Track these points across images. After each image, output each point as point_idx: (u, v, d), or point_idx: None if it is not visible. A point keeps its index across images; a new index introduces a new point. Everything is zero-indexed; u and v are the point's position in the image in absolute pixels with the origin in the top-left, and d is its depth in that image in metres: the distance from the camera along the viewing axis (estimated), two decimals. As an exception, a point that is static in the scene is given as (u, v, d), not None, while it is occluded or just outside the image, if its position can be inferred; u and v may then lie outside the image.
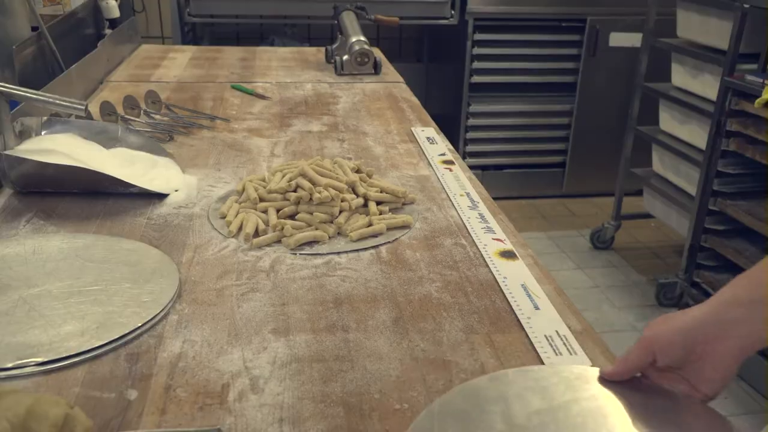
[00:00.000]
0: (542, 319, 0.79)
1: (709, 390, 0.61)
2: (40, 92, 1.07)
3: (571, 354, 0.73)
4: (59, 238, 0.93)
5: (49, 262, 0.86)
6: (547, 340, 0.75)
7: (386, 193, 1.07)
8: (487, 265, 0.91)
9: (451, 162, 1.29)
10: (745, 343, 0.58)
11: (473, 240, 0.98)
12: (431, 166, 1.27)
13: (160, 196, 1.08)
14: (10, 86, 1.04)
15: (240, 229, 0.97)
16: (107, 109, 1.36)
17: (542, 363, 0.71)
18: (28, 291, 0.80)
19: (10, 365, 0.67)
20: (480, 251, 0.95)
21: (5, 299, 0.78)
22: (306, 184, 0.99)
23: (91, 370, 0.69)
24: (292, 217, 0.99)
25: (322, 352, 0.73)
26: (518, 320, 0.79)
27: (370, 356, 0.72)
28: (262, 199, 1.02)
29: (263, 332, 0.76)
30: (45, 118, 1.16)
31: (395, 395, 0.66)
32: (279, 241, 0.95)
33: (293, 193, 1.00)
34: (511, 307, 0.81)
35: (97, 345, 0.71)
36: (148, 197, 1.07)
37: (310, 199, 0.98)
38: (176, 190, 1.09)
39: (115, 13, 1.89)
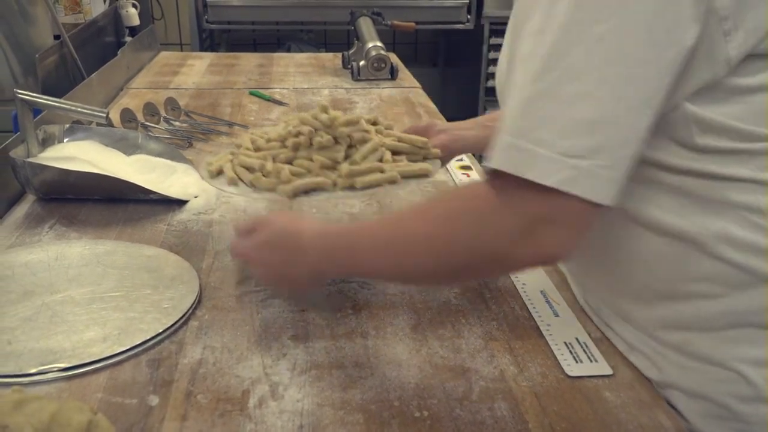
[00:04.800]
0: (562, 326, 0.78)
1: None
2: (62, 100, 1.09)
3: (591, 361, 0.72)
4: (81, 244, 0.94)
5: (72, 269, 0.87)
6: (567, 346, 0.74)
7: (404, 143, 0.90)
8: (506, 272, 0.90)
9: (468, 167, 1.29)
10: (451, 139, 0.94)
11: (492, 246, 0.97)
12: (448, 171, 1.27)
13: (180, 203, 1.08)
14: (34, 95, 1.05)
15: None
16: (127, 116, 1.38)
17: (562, 370, 0.71)
18: (51, 297, 0.81)
19: (33, 371, 0.68)
20: (498, 257, 0.94)
21: (29, 305, 0.79)
22: (306, 128, 0.86)
23: (113, 376, 0.69)
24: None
25: (341, 359, 0.73)
26: (537, 327, 0.78)
27: (389, 363, 0.72)
28: (259, 150, 0.89)
29: (282, 339, 0.76)
30: (67, 125, 1.18)
31: (415, 402, 0.66)
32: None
33: (293, 138, 0.86)
34: (530, 313, 0.81)
35: (119, 351, 0.71)
36: (168, 203, 1.08)
37: (311, 144, 0.86)
38: (195, 197, 1.10)
39: (135, 20, 1.91)
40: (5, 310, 0.78)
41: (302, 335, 0.77)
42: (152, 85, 1.79)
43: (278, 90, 1.79)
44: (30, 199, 1.08)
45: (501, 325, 0.79)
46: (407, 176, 0.85)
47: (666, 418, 0.65)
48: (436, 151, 0.91)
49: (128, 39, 1.92)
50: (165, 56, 2.13)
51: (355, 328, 0.78)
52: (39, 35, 1.32)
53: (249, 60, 2.13)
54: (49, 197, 1.07)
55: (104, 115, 1.06)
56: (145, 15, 2.14)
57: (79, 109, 1.07)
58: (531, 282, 0.87)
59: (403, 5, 2.89)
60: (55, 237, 0.97)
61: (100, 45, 1.74)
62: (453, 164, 1.29)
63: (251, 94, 1.73)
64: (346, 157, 0.85)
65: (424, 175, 0.87)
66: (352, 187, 0.83)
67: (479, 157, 1.11)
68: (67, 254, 0.91)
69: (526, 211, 0.57)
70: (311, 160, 0.85)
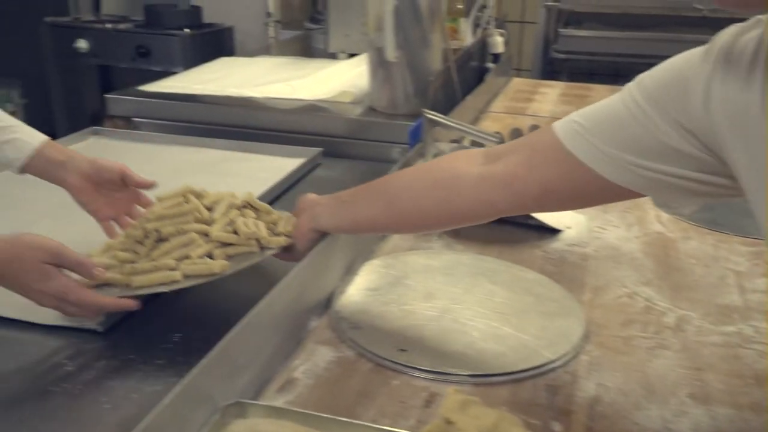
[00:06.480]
0: None
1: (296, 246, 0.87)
2: (461, 122, 1.18)
3: None
4: (469, 257, 1.01)
5: (464, 279, 0.94)
6: None
7: (241, 232, 0.83)
8: None
9: None
10: (307, 224, 0.86)
11: None
12: None
13: (553, 231, 1.11)
14: (438, 114, 1.16)
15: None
16: (496, 139, 1.45)
17: None
18: (450, 303, 0.88)
19: (449, 371, 0.74)
20: None
21: (432, 306, 0.87)
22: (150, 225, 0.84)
23: (515, 393, 0.73)
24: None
25: (749, 433, 0.68)
26: None
27: (811, 452, 0.65)
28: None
29: (679, 395, 0.73)
30: (454, 144, 1.28)
31: None
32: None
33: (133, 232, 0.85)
34: None
35: (521, 369, 0.75)
36: (541, 231, 1.11)
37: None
38: (569, 228, 1.12)
39: (500, 48, 2.02)
40: (415, 306, 0.87)
41: (701, 396, 0.73)
42: (509, 110, 1.87)
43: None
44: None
45: None
46: (192, 276, 0.78)
47: None
48: (278, 239, 0.84)
49: (491, 65, 2.03)
50: (518, 82, 2.21)
51: (760, 402, 0.72)
52: (432, 60, 1.45)
53: (601, 92, 2.10)
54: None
55: (496, 140, 1.13)
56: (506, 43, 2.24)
57: (474, 132, 1.16)
58: None
59: None
60: (443, 246, 1.06)
61: (468, 69, 1.87)
62: None
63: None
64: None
65: (210, 274, 0.78)
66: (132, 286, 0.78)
67: None
68: (458, 265, 0.99)
69: None
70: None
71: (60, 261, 0.75)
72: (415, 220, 0.81)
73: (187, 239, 0.81)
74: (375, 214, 0.83)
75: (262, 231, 0.84)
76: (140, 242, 0.83)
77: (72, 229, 0.94)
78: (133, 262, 0.81)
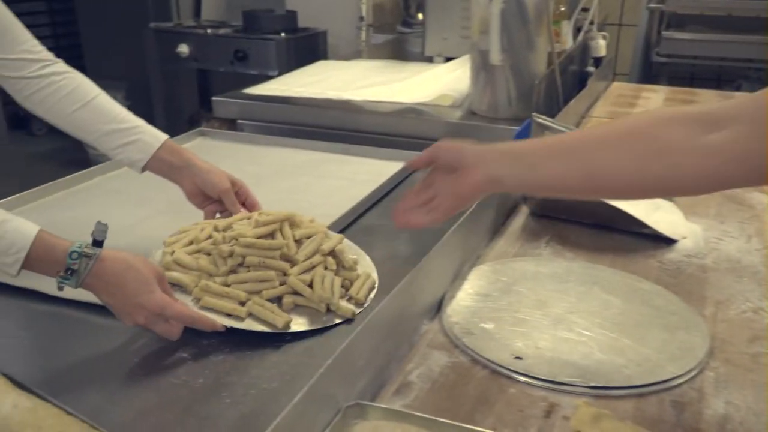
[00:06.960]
0: None
1: (448, 206, 0.76)
2: (571, 126, 1.15)
3: None
4: (578, 265, 0.98)
5: (576, 288, 0.92)
6: None
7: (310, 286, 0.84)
8: None
9: None
10: (482, 179, 0.73)
11: None
12: None
13: (668, 241, 1.06)
14: (547, 118, 1.14)
15: None
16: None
17: None
18: (564, 312, 0.86)
19: (568, 381, 0.72)
20: None
21: (545, 314, 0.85)
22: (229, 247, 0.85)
23: (639, 407, 0.70)
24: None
25: None
26: None
27: None
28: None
29: (818, 418, 0.68)
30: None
31: None
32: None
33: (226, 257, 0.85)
34: None
35: (645, 383, 0.72)
36: (654, 240, 1.07)
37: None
38: (684, 237, 1.07)
39: (603, 51, 1.96)
40: (527, 314, 0.85)
41: (844, 421, 0.68)
42: (612, 115, 1.81)
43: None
44: (524, 212, 1.17)
45: None
46: (255, 318, 0.81)
47: None
48: (347, 308, 0.83)
49: (591, 69, 1.98)
50: (618, 86, 2.14)
51: None
52: (537, 63, 1.42)
53: (707, 97, 2.01)
54: (541, 214, 1.15)
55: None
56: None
57: (584, 136, 1.12)
58: None
59: None
60: (552, 253, 1.04)
61: (569, 73, 1.83)
62: None
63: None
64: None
65: (270, 324, 0.80)
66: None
67: None
68: (569, 273, 0.96)
69: None
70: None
71: (161, 282, 0.78)
72: (618, 191, 0.75)
73: (266, 276, 0.83)
74: (568, 177, 0.71)
75: (336, 293, 0.83)
76: (224, 258, 0.85)
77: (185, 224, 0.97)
78: (210, 273, 0.84)
